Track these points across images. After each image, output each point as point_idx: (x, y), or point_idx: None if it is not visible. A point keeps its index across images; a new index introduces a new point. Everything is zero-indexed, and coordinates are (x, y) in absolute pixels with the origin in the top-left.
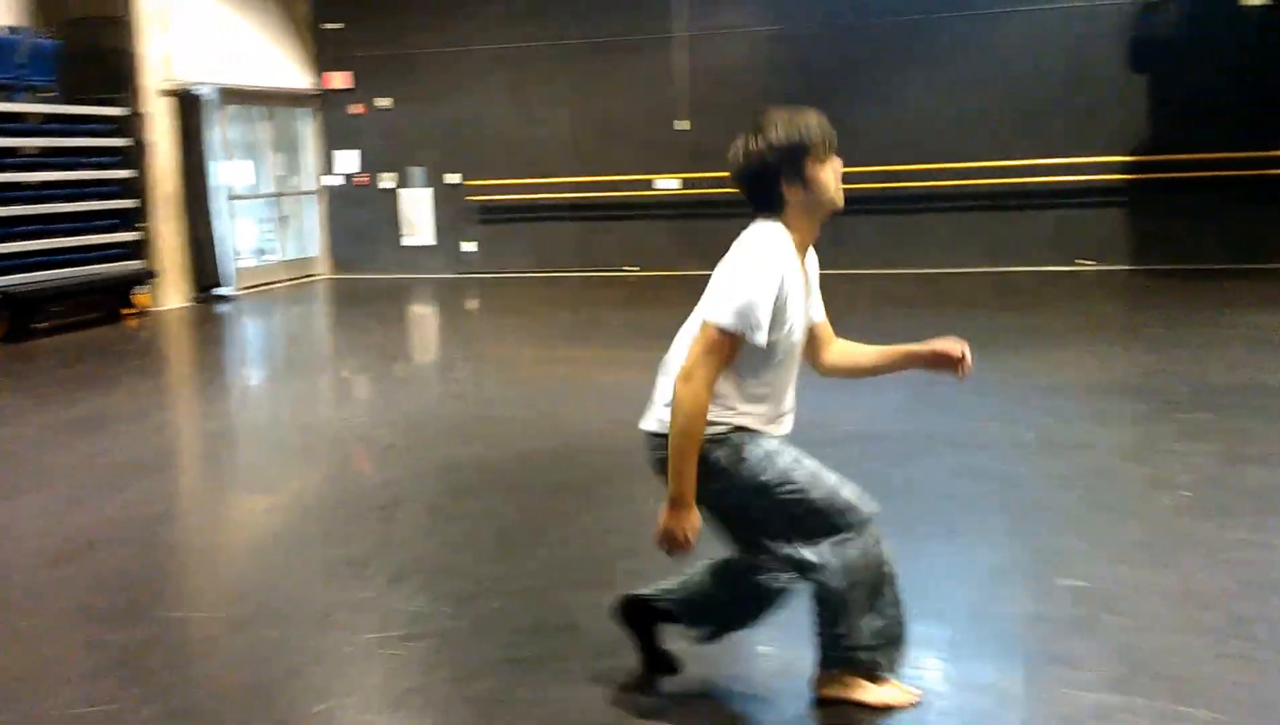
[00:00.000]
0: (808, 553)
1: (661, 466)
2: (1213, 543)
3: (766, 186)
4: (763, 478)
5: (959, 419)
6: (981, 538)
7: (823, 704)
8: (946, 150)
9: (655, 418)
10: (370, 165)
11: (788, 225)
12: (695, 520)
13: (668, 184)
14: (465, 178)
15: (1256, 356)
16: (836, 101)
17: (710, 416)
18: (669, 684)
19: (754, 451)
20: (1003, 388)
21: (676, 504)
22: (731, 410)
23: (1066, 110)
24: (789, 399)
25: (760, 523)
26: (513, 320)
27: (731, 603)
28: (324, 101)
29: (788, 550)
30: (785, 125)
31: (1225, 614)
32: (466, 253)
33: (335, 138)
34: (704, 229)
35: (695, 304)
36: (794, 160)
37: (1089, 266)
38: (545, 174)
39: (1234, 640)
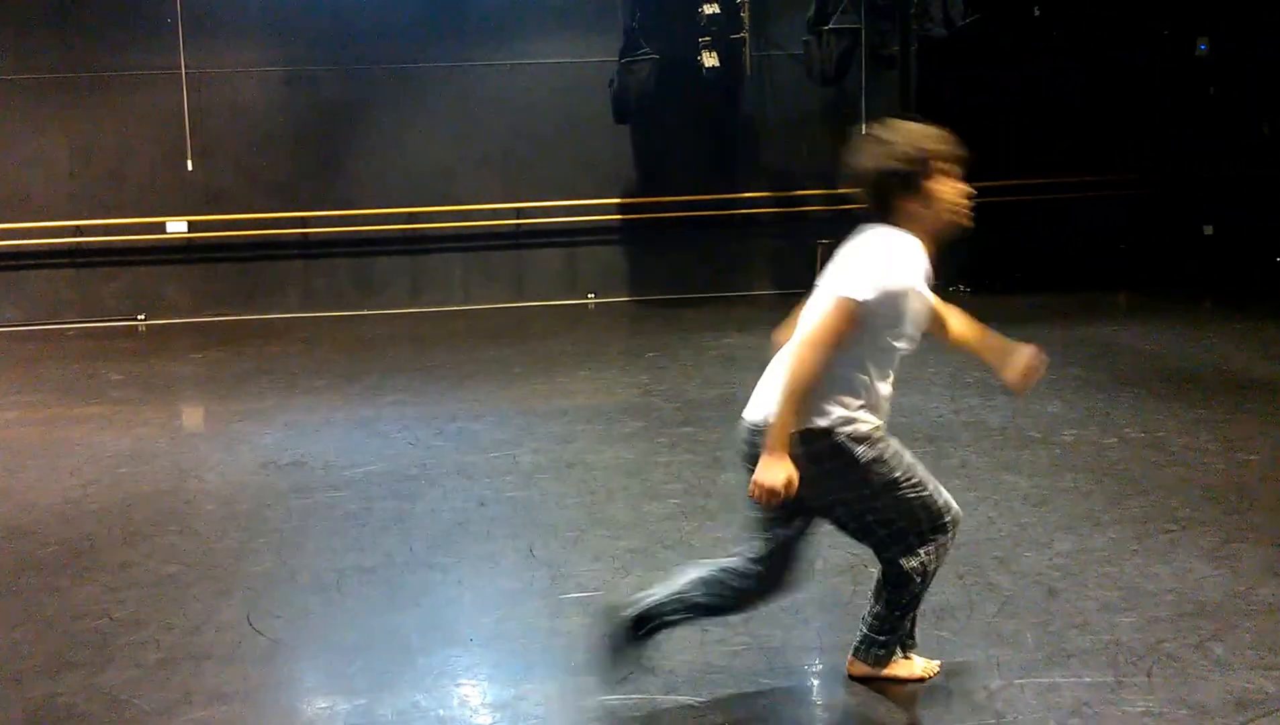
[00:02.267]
0: (918, 558)
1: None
2: (695, 542)
3: (884, 195)
4: (894, 474)
5: (472, 450)
6: (497, 563)
7: (856, 680)
8: (464, 192)
9: (764, 411)
10: None
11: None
12: (793, 470)
13: (178, 227)
14: None
15: (729, 373)
16: (354, 144)
17: (845, 413)
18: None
19: (888, 449)
20: (516, 416)
21: (779, 454)
22: (864, 406)
23: (567, 156)
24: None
25: (878, 516)
26: None
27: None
28: None
29: (897, 551)
30: (908, 137)
31: None
32: None
33: None
34: (218, 273)
35: (214, 350)
36: (912, 173)
37: (594, 299)
38: (36, 217)
39: (712, 628)
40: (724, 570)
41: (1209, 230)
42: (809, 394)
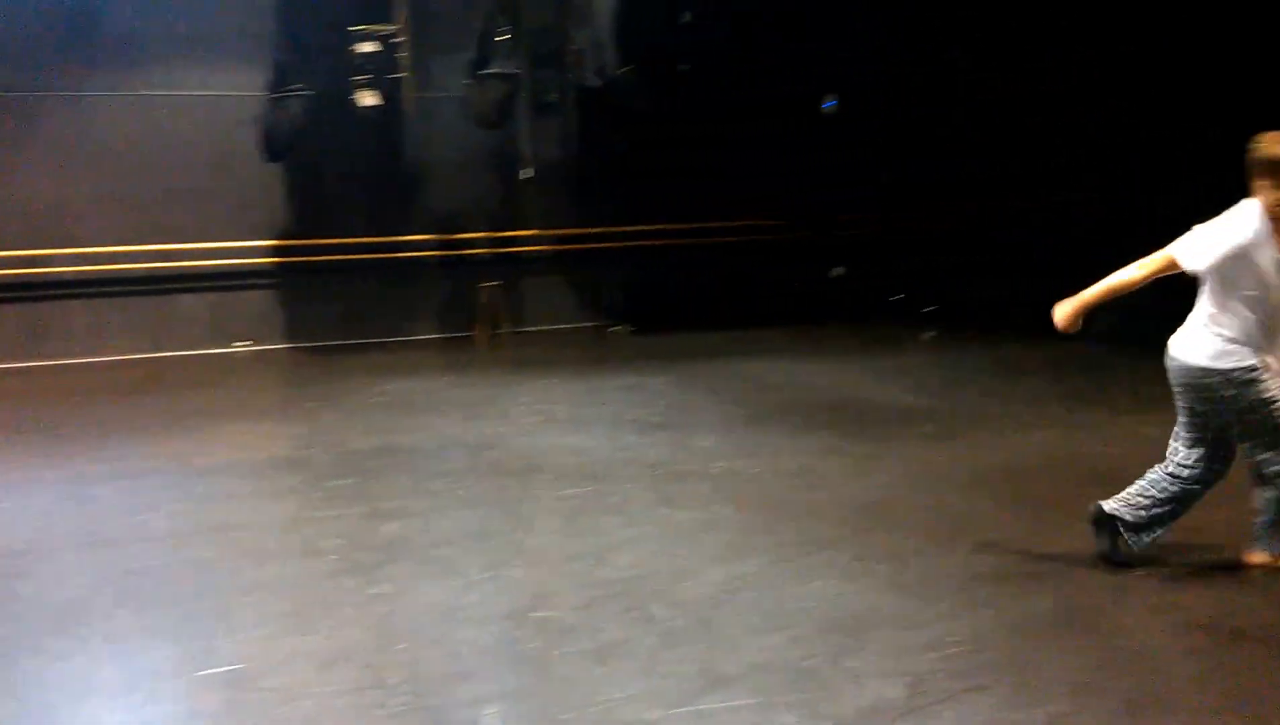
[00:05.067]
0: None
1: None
2: (354, 600)
3: (1248, 176)
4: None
5: (98, 517)
6: (127, 644)
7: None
8: (89, 233)
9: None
10: None
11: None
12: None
13: None
14: None
15: (391, 420)
16: None
17: (1234, 353)
18: None
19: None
20: (151, 477)
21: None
22: (1240, 346)
23: (216, 195)
24: None
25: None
26: None
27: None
28: None
29: (1263, 457)
30: (1269, 148)
31: (362, 667)
32: None
33: None
34: None
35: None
36: (1271, 170)
37: (246, 347)
38: None
39: (369, 691)
40: (1172, 474)
41: (839, 271)
42: None
